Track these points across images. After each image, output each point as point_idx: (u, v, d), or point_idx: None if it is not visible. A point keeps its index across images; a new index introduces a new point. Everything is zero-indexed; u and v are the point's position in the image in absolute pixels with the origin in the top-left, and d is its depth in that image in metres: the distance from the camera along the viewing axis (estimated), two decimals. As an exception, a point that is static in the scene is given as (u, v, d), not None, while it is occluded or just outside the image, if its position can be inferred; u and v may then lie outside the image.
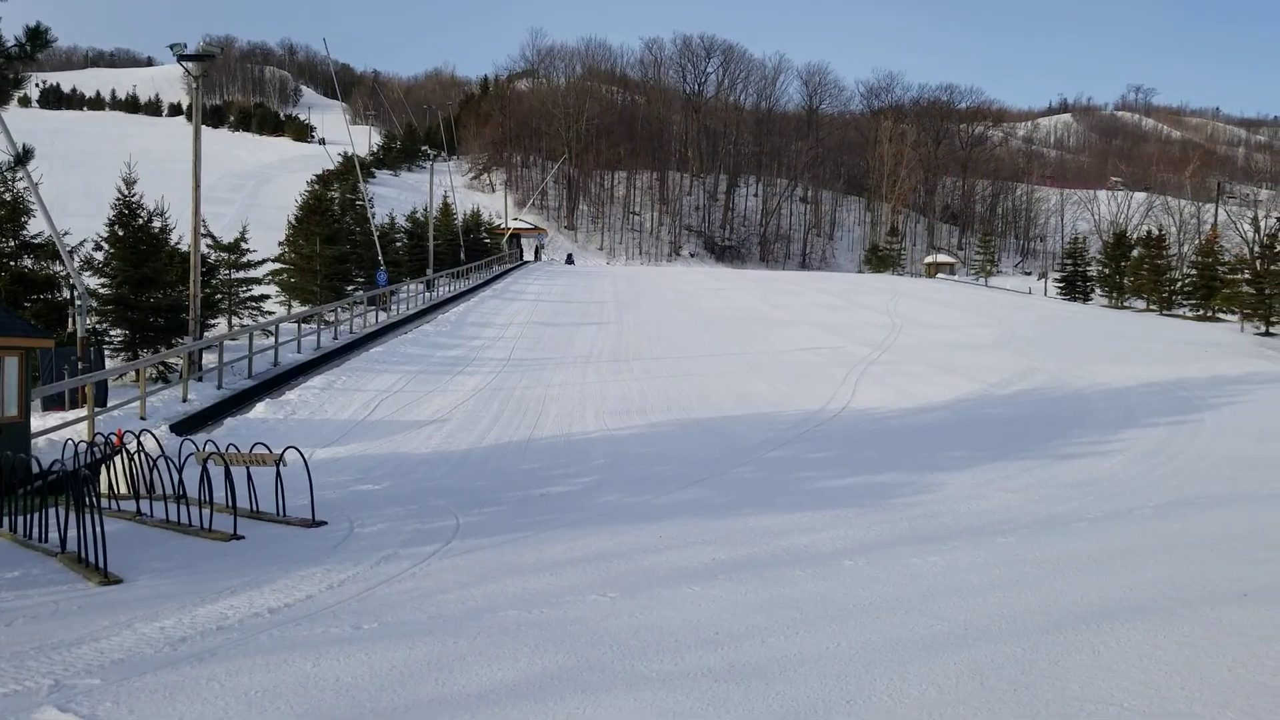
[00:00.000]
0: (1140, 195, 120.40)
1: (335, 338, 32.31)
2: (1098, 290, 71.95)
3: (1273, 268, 49.71)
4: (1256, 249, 55.01)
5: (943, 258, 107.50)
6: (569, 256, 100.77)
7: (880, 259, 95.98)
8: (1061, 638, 7.27)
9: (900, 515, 12.04)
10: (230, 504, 11.27)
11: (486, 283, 59.01)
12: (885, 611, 7.94)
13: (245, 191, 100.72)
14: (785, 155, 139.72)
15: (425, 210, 63.96)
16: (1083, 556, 9.81)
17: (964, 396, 25.85)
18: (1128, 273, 66.58)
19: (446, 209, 76.14)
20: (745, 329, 41.16)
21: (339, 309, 36.10)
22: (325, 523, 11.71)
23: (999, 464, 16.35)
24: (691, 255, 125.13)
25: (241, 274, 36.40)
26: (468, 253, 65.79)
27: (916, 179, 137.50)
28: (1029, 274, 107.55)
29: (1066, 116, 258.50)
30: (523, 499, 13.68)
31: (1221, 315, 56.54)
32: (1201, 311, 58.93)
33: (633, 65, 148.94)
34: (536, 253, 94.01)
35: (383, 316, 38.80)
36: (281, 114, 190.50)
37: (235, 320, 34.74)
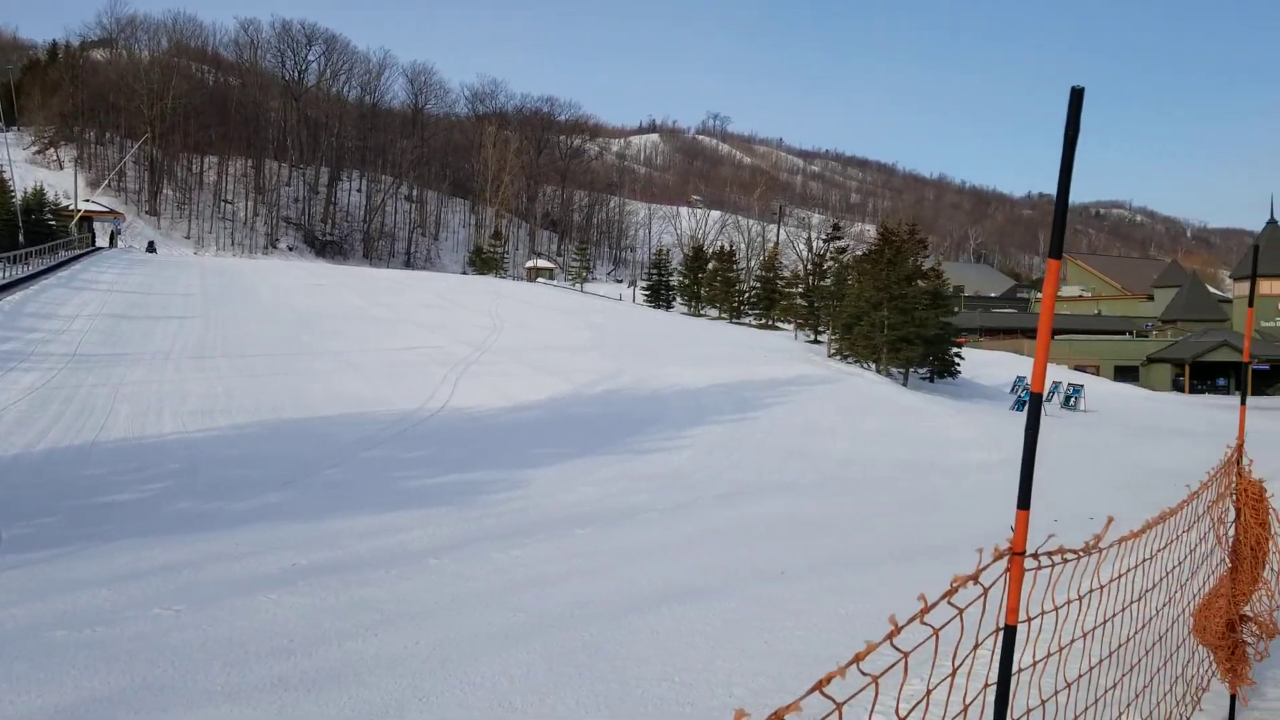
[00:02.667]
0: (716, 213, 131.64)
1: None
2: (679, 299, 77.65)
3: (821, 283, 56.30)
4: (809, 266, 62.01)
5: (543, 263, 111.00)
6: (150, 244, 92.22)
7: (484, 261, 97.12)
8: (627, 621, 7.88)
9: (489, 512, 12.38)
10: None
11: (50, 269, 52.56)
12: (466, 607, 8.16)
13: None
14: (390, 152, 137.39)
15: (-29, 185, 55.85)
16: (651, 544, 10.67)
17: (557, 396, 26.92)
18: (704, 284, 72.52)
19: (3, 185, 66.97)
20: (346, 327, 40.03)
21: None
22: None
23: (584, 459, 17.26)
24: (290, 249, 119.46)
25: None
26: (29, 235, 58.32)
27: (519, 185, 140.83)
28: (620, 281, 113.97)
29: (655, 136, 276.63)
30: (81, 508, 12.44)
31: (780, 324, 63.11)
32: (764, 320, 65.44)
33: (227, 45, 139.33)
34: (112, 238, 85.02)
35: (-91, 305, 33.38)
36: None
37: None
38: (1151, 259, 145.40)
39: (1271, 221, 68.00)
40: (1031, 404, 2.25)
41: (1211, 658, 5.18)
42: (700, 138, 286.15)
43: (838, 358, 42.81)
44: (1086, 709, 3.07)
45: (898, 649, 1.82)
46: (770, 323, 64.46)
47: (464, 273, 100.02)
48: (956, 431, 25.60)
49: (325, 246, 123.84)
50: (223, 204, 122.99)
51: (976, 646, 2.18)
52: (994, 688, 2.24)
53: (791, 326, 59.68)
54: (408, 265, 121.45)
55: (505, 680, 6.46)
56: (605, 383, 30.27)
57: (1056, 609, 2.61)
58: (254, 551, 9.92)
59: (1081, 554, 2.62)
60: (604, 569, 9.52)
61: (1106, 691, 3.26)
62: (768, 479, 16.11)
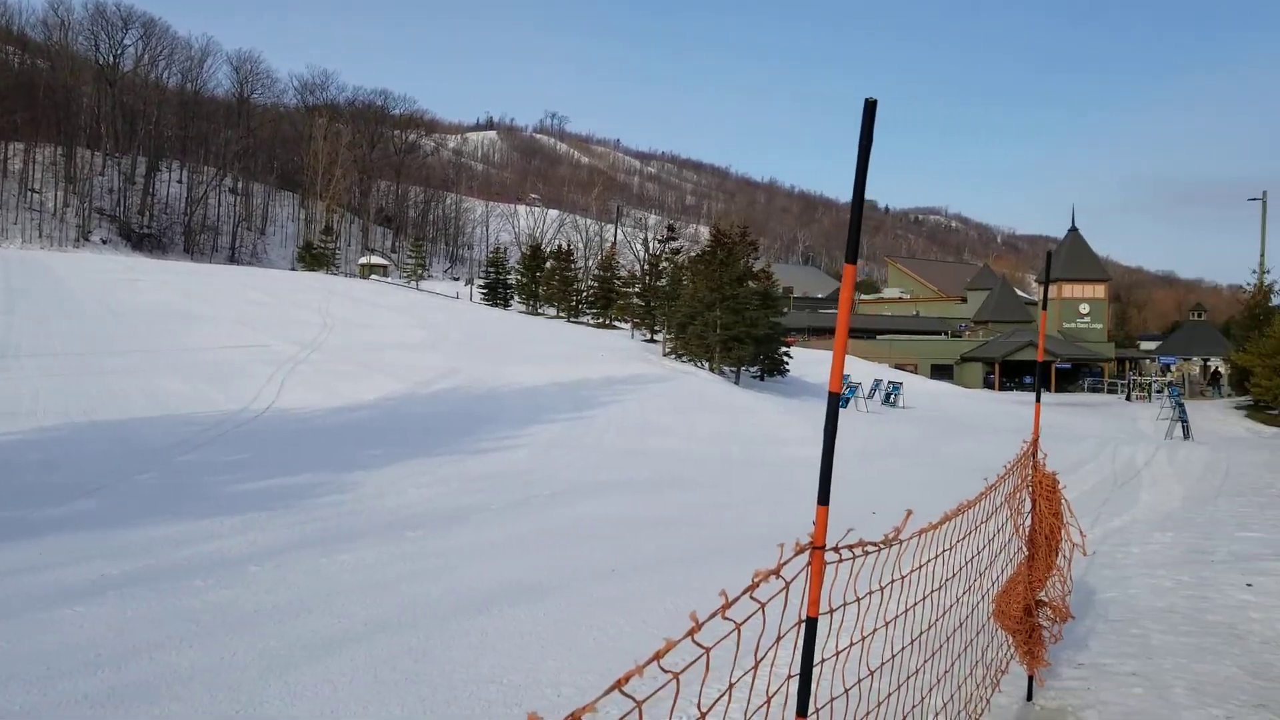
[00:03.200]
0: (554, 212, 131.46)
1: None
2: (517, 298, 77.22)
3: (657, 284, 57.00)
4: (645, 266, 62.69)
5: (377, 259, 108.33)
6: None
7: (314, 257, 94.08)
8: (455, 624, 7.78)
9: (314, 516, 12.00)
10: None
11: None
12: (289, 615, 7.90)
13: None
14: (214, 142, 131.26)
15: None
16: (482, 545, 10.57)
17: (390, 395, 26.36)
18: (542, 282, 72.35)
19: None
20: (165, 325, 38.05)
21: None
22: None
23: (417, 460, 16.94)
24: (104, 242, 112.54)
25: None
26: None
27: (352, 179, 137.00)
28: (457, 279, 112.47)
29: (492, 134, 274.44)
30: None
31: (617, 324, 63.62)
32: (602, 320, 65.82)
33: (34, 25, 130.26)
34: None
35: None
36: None
37: None
38: (966, 263, 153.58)
39: (1073, 229, 72.77)
40: (829, 405, 2.32)
41: (1011, 641, 5.50)
42: (538, 136, 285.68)
43: (673, 357, 43.44)
44: (890, 694, 3.21)
45: (700, 645, 1.85)
46: (608, 322, 64.87)
47: (293, 269, 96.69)
48: (785, 428, 26.36)
49: (143, 240, 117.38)
50: (29, 194, 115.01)
51: (779, 640, 2.24)
52: (796, 679, 2.32)
53: (629, 326, 60.21)
54: (232, 261, 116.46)
55: (328, 688, 6.30)
56: (440, 381, 29.83)
57: (859, 600, 2.72)
58: (60, 562, 9.33)
59: (882, 546, 2.73)
60: (433, 571, 9.37)
61: (910, 677, 3.42)
62: (602, 477, 16.20)
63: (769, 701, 2.26)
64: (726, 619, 1.92)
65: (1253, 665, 6.41)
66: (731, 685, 2.02)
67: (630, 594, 8.78)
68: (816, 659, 2.35)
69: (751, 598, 2.02)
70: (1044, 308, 5.48)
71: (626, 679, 1.58)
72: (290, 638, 7.32)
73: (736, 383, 38.65)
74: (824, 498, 2.31)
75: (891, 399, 41.14)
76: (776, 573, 2.11)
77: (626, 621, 7.92)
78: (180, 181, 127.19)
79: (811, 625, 2.30)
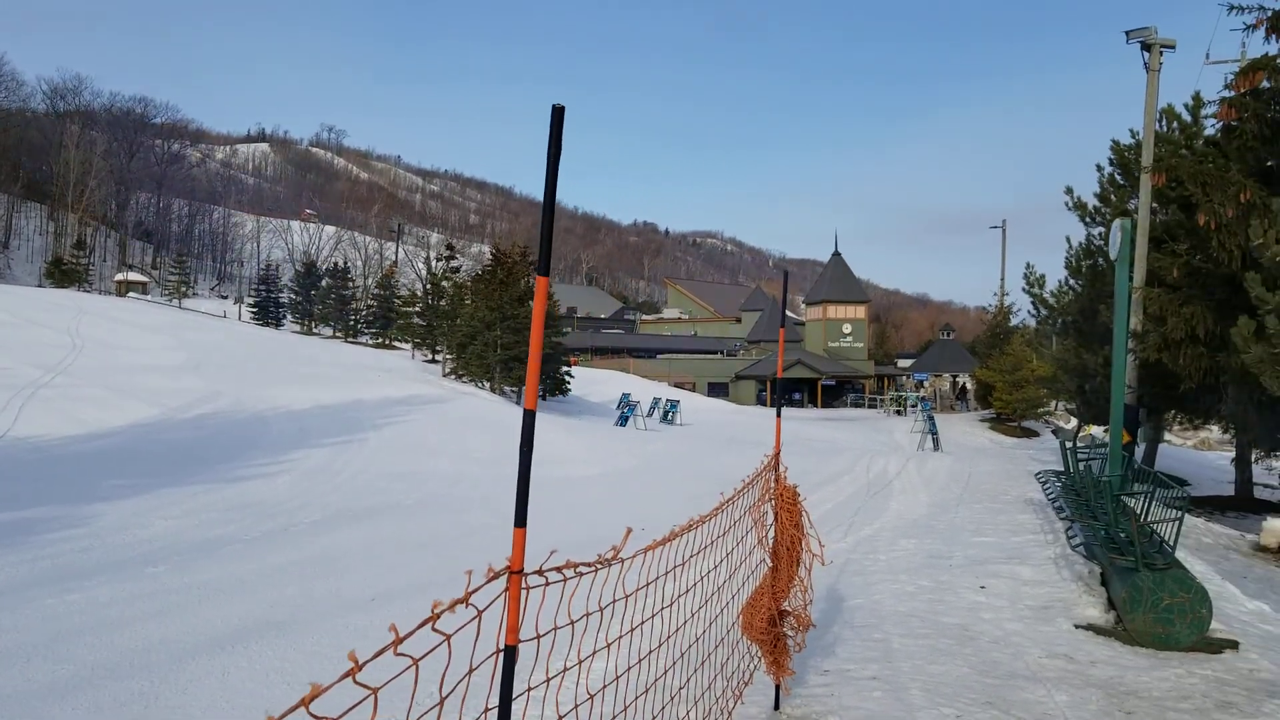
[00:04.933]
0: (331, 229, 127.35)
1: None
2: (289, 316, 74.22)
3: (439, 304, 56.11)
4: (427, 285, 61.59)
5: (135, 276, 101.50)
6: None
7: (65, 273, 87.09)
8: (194, 664, 7.26)
9: (44, 553, 10.98)
10: None
11: None
12: (3, 662, 7.18)
13: None
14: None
15: None
16: (231, 579, 9.94)
17: (142, 421, 24.60)
18: (317, 301, 69.85)
19: None
20: (-125, 347, 34.20)
21: None
22: None
23: (166, 490, 15.84)
24: None
25: None
26: None
27: (108, 191, 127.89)
28: (225, 298, 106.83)
29: (265, 146, 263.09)
30: None
31: (397, 343, 62.18)
32: (381, 339, 64.20)
33: None
34: None
35: None
36: None
37: None
38: (740, 285, 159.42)
39: (836, 253, 76.80)
40: (525, 422, 2.25)
41: (757, 652, 5.61)
42: (314, 150, 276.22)
43: (453, 377, 42.79)
44: (616, 716, 3.16)
45: (364, 686, 1.72)
46: (387, 342, 63.26)
47: (40, 285, 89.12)
48: (564, 448, 26.39)
49: None
50: None
51: (471, 672, 2.14)
52: (495, 711, 2.21)
53: (409, 346, 58.92)
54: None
55: (37, 745, 5.72)
56: (200, 406, 28.14)
57: (573, 623, 2.65)
58: None
59: (597, 566, 2.67)
60: (173, 609, 8.73)
61: (639, 696, 3.38)
62: (369, 502, 15.65)
63: (462, 737, 2.15)
64: (401, 655, 1.80)
65: (982, 664, 6.82)
66: (410, 724, 1.89)
67: (389, 623, 8.46)
68: (520, 688, 2.25)
69: (434, 629, 1.91)
70: (782, 324, 5.66)
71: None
72: (3, 688, 6.62)
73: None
74: (521, 520, 2.22)
75: (669, 416, 42.00)
76: (465, 601, 2.01)
77: (394, 660, 7.62)
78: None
79: (510, 653, 2.20)
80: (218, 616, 8.56)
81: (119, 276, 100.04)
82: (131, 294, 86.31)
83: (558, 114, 1.99)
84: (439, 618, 1.89)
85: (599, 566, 2.68)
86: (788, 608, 5.68)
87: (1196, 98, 20.45)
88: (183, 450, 21.17)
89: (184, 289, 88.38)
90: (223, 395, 30.56)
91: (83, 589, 9.39)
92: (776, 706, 5.70)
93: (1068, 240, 25.55)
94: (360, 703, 1.74)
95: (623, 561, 2.82)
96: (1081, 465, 14.15)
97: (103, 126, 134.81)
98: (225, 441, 22.58)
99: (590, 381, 53.81)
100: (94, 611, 8.63)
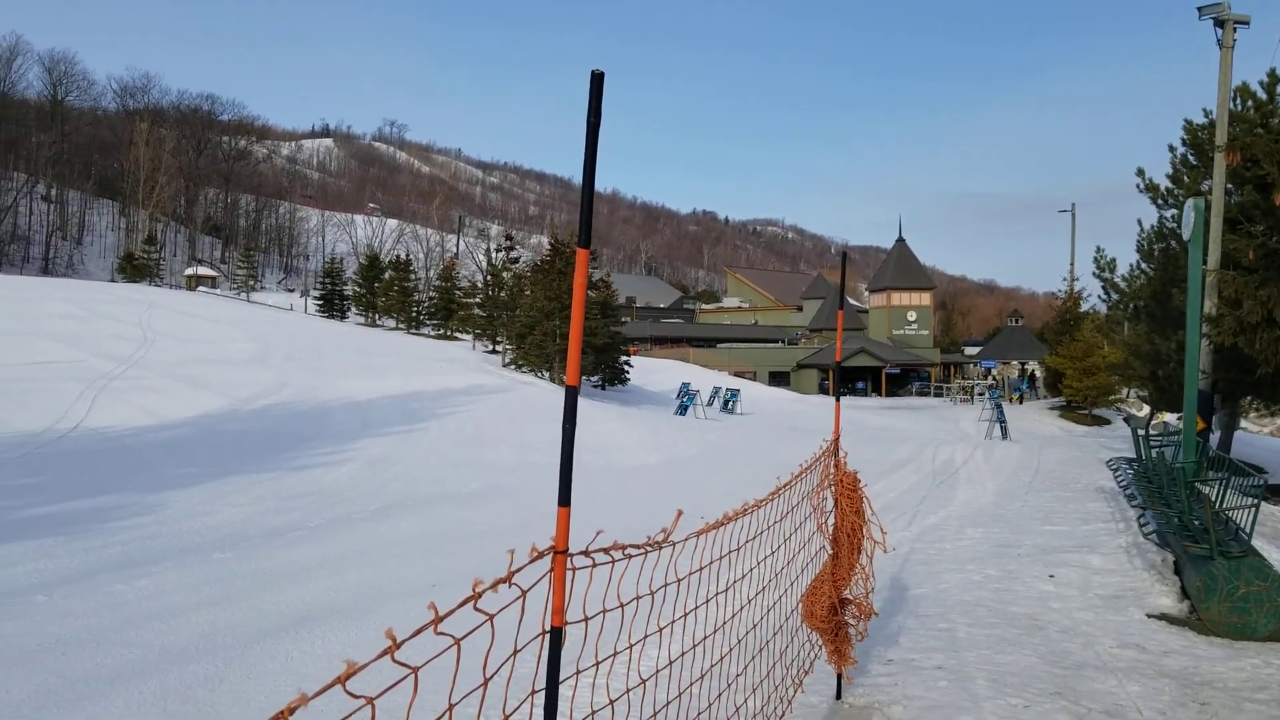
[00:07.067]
0: (393, 222, 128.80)
1: None
2: (354, 309, 75.22)
3: (499, 295, 56.50)
4: (487, 277, 62.01)
5: (204, 270, 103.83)
6: None
7: (136, 268, 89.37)
8: (258, 649, 7.35)
9: (114, 540, 11.23)
10: None
11: None
12: (74, 647, 7.31)
13: None
14: (25, 147, 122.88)
15: None
16: (295, 565, 10.07)
17: (210, 412, 25.11)
18: (380, 293, 70.68)
19: None
20: (-42, 341, 35.37)
21: None
22: None
23: (232, 479, 16.13)
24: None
25: None
26: None
27: (177, 187, 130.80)
28: (292, 291, 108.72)
29: (329, 141, 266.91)
30: None
31: (459, 335, 62.70)
32: (442, 331, 64.76)
33: None
34: None
35: None
36: None
37: None
38: (801, 273, 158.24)
39: (900, 240, 75.86)
40: (568, 398, 2.19)
41: (818, 641, 5.52)
42: (377, 144, 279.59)
43: (512, 367, 43.04)
44: (670, 702, 3.10)
45: (403, 664, 1.68)
46: (449, 333, 63.84)
47: (113, 280, 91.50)
48: (623, 436, 26.39)
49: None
50: None
51: (515, 653, 2.09)
52: (543, 694, 2.17)
53: (470, 337, 59.40)
54: (46, 272, 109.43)
55: (108, 727, 5.82)
56: (266, 397, 28.64)
57: (622, 606, 2.59)
58: None
59: (647, 549, 2.61)
60: (238, 595, 8.86)
61: (693, 683, 3.32)
62: (429, 490, 15.79)
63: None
64: (442, 633, 1.75)
65: (1051, 654, 6.65)
66: (452, 706, 1.85)
67: (445, 608, 8.51)
68: (568, 672, 2.20)
69: (476, 608, 1.87)
70: (841, 306, 5.55)
71: (290, 710, 1.40)
72: (74, 672, 6.77)
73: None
74: (564, 498, 2.17)
75: (729, 405, 41.84)
76: (508, 580, 1.96)
77: (441, 640, 7.65)
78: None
79: (556, 635, 2.15)
80: (282, 602, 8.67)
81: (188, 271, 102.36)
82: (201, 288, 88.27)
83: (597, 80, 1.93)
84: (480, 596, 1.85)
85: (648, 549, 2.62)
86: (849, 596, 5.57)
87: (1272, 74, 19.74)
88: (249, 440, 21.55)
89: (251, 283, 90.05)
90: (289, 386, 31.07)
91: (151, 575, 9.57)
92: (839, 696, 5.61)
93: (1139, 223, 24.88)
94: (400, 681, 1.70)
95: (674, 545, 2.76)
96: (1154, 452, 13.77)
97: (171, 124, 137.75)
98: (290, 431, 22.95)
99: (649, 371, 53.81)
100: (162, 597, 8.79)
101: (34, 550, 10.59)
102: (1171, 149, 23.33)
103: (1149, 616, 7.71)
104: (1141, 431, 15.22)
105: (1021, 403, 58.10)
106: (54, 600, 8.66)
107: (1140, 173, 23.50)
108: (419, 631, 1.72)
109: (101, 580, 9.37)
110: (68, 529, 11.83)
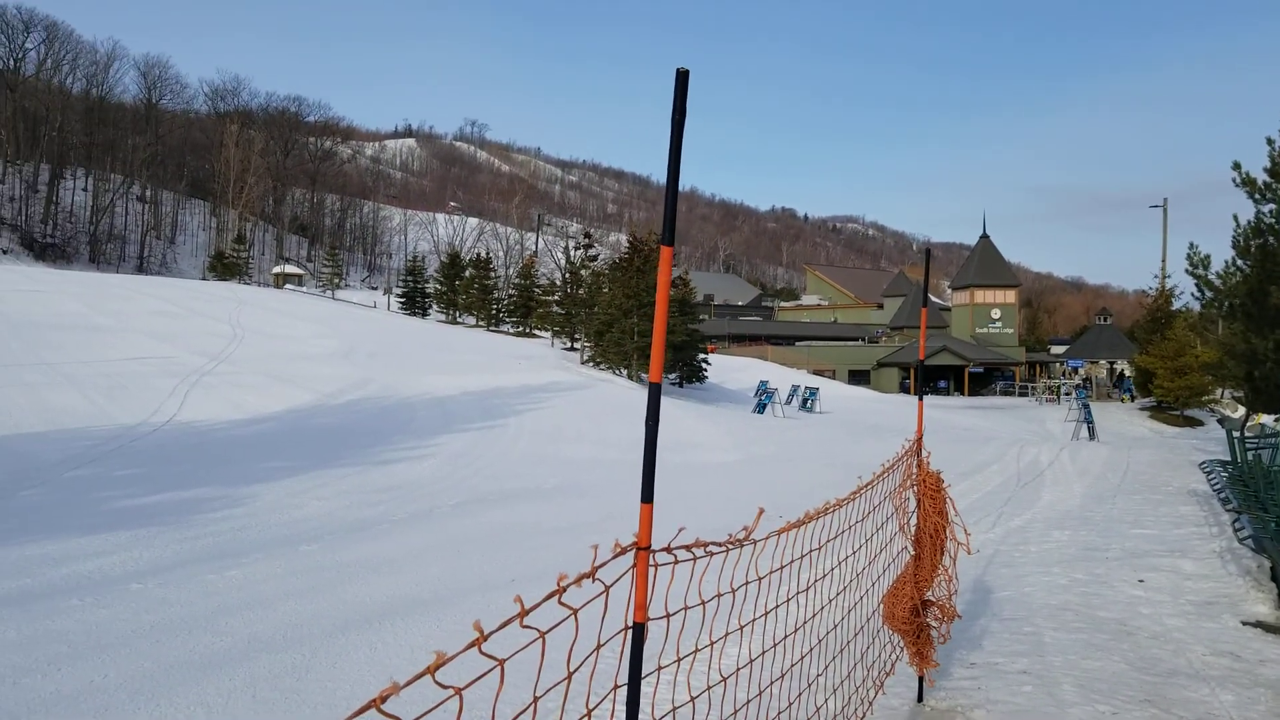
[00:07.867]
0: (474, 220, 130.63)
1: None
2: (435, 306, 76.36)
3: (577, 292, 56.89)
4: (565, 274, 62.47)
5: (291, 268, 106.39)
6: None
7: (226, 266, 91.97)
8: (343, 639, 7.51)
9: (205, 531, 11.57)
10: None
11: None
12: (167, 634, 7.55)
13: None
14: (121, 149, 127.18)
15: None
16: (379, 558, 10.27)
17: (297, 407, 25.72)
18: (461, 291, 71.64)
19: None
20: (63, 336, 36.68)
21: None
22: None
23: (318, 472, 16.50)
24: (5, 252, 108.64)
25: None
26: None
27: (265, 187, 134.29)
28: (375, 288, 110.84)
29: (411, 141, 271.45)
30: None
31: (537, 332, 63.29)
32: (521, 328, 65.42)
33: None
34: None
35: None
36: None
37: None
38: (882, 270, 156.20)
39: (984, 236, 74.42)
40: (651, 396, 2.19)
41: (899, 642, 5.45)
42: (458, 144, 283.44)
43: (590, 364, 43.28)
44: (749, 701, 3.09)
45: (490, 656, 1.71)
46: (528, 331, 64.45)
47: (204, 278, 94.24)
48: (701, 434, 26.37)
49: (46, 249, 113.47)
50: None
51: (599, 648, 2.10)
52: (625, 689, 2.18)
53: (549, 334, 59.90)
54: (141, 270, 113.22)
55: (201, 711, 5.99)
56: (351, 392, 29.23)
57: (704, 604, 2.59)
58: (-85, 586, 8.81)
59: (728, 546, 2.60)
60: (325, 586, 9.06)
61: (773, 682, 3.30)
62: (509, 486, 15.96)
63: (589, 714, 2.11)
64: (527, 627, 1.77)
65: (1140, 661, 6.47)
66: (536, 699, 1.87)
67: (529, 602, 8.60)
68: (649, 668, 2.21)
69: (560, 603, 1.88)
70: (925, 304, 5.46)
71: (382, 699, 1.43)
72: (168, 658, 6.98)
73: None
74: (647, 495, 2.17)
75: (808, 404, 41.51)
76: (592, 575, 1.97)
77: (525, 633, 7.73)
78: (85, 189, 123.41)
79: (639, 631, 2.16)
80: (366, 594, 8.85)
81: (276, 269, 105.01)
82: (288, 286, 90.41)
83: (682, 78, 1.93)
84: (564, 591, 1.87)
85: (730, 547, 2.62)
86: (931, 598, 5.50)
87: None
88: (335, 434, 22.03)
89: (336, 281, 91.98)
90: (373, 382, 31.66)
91: (240, 565, 9.84)
92: (920, 698, 5.53)
93: (1235, 218, 23.99)
94: (487, 673, 1.73)
95: (755, 543, 2.75)
96: (1250, 455, 13.31)
97: (260, 125, 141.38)
98: (375, 426, 23.39)
99: (727, 369, 53.65)
100: (251, 587, 9.03)
101: (129, 540, 10.96)
102: (1270, 141, 22.48)
103: (1244, 624, 7.46)
104: (1237, 433, 14.73)
105: (1133, 400, 56.54)
106: (148, 588, 8.94)
107: (1237, 166, 22.69)
108: (506, 624, 1.74)
109: (194, 570, 9.65)
110: (162, 520, 12.22)
